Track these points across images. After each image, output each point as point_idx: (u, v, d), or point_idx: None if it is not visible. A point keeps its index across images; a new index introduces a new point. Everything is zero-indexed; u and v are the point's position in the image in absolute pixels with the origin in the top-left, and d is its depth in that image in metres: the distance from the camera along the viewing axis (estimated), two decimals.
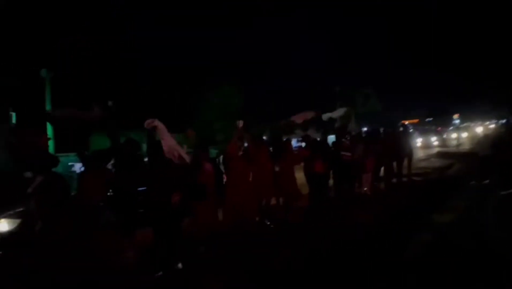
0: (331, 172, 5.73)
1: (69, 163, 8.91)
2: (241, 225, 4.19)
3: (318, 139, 5.98)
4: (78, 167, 5.58)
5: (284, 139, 5.36)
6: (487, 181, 4.15)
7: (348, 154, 5.70)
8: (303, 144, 6.08)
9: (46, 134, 4.28)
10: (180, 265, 3.29)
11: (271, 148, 4.99)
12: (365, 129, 12.62)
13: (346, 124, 6.62)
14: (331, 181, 5.95)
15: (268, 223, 4.77)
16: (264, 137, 5.50)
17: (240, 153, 4.48)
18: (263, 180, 4.55)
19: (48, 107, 12.72)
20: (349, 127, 6.75)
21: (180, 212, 3.40)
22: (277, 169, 4.76)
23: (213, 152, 5.83)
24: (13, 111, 15.41)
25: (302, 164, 5.45)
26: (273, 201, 5.05)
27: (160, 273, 3.15)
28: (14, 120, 15.41)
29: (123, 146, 3.41)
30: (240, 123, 4.29)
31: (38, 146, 3.31)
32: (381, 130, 7.47)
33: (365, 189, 6.27)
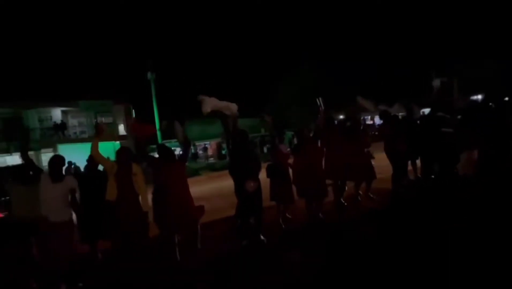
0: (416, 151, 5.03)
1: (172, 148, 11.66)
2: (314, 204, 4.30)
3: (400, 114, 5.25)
4: (178, 151, 6.15)
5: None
6: None
7: (449, 130, 4.85)
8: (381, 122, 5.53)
9: (154, 126, 5.37)
10: (263, 237, 3.66)
11: (345, 129, 4.85)
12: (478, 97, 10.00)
13: (444, 96, 5.65)
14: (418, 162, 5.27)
15: (345, 203, 4.78)
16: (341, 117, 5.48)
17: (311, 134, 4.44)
18: (335, 162, 4.44)
19: (154, 104, 16.57)
20: (450, 99, 5.79)
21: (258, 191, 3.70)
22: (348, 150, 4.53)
23: (288, 134, 6.00)
24: (133, 108, 20.79)
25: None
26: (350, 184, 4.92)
27: (245, 242, 3.61)
28: (133, 114, 20.78)
29: (236, 136, 3.87)
30: (321, 101, 4.36)
31: (149, 136, 4.21)
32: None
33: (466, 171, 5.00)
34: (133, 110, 23.10)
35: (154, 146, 4.29)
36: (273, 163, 4.31)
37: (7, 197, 3.92)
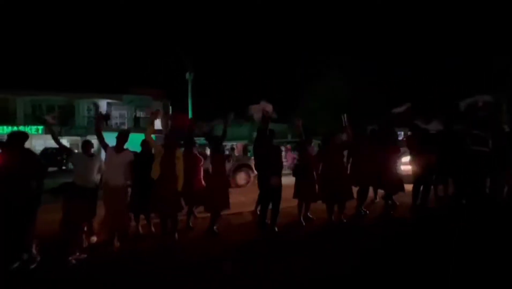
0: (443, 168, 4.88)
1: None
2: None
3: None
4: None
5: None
6: None
7: (484, 148, 4.56)
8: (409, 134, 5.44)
9: (191, 119, 5.79)
10: (276, 229, 4.08)
11: (376, 139, 4.86)
12: None
13: (490, 115, 4.93)
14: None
15: (365, 211, 4.81)
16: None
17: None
18: (363, 169, 4.56)
19: (190, 102, 17.43)
20: (496, 118, 5.19)
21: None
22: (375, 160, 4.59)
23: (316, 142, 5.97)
24: (171, 105, 21.92)
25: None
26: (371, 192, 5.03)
27: (262, 230, 4.10)
28: (170, 110, 21.93)
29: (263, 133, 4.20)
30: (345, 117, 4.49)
31: (185, 129, 4.80)
32: None
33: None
34: (171, 107, 24.45)
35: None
36: (301, 163, 4.54)
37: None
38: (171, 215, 3.82)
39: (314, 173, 4.48)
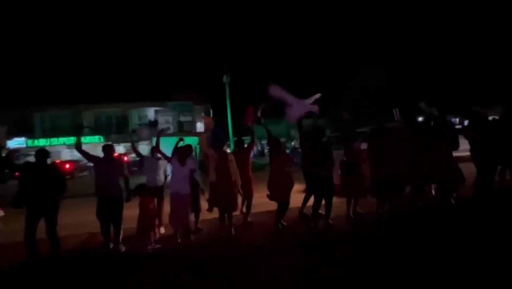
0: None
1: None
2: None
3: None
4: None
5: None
6: None
7: None
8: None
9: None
10: (331, 221, 4.21)
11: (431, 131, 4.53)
12: None
13: None
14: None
15: (420, 205, 4.52)
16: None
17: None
18: (420, 164, 4.30)
19: (228, 104, 18.13)
20: None
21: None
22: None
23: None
24: (211, 108, 22.84)
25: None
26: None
27: (314, 224, 4.25)
28: (211, 114, 22.97)
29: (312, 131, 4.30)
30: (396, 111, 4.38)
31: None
32: None
33: None
34: (211, 110, 25.66)
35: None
36: (347, 159, 4.52)
37: None
38: (229, 213, 4.10)
39: (362, 168, 4.44)
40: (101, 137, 22.30)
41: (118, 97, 24.08)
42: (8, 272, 3.39)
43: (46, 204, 3.39)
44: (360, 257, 3.12)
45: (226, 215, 4.14)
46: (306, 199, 4.68)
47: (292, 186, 4.29)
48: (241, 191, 4.20)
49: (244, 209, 4.75)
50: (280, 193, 4.20)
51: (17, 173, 3.57)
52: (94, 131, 22.44)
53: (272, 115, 4.73)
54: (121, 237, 3.79)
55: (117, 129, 23.92)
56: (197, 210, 4.37)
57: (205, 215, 4.51)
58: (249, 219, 4.72)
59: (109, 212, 3.70)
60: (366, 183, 4.46)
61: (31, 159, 3.69)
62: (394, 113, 4.47)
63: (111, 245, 3.76)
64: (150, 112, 24.98)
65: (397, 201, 4.40)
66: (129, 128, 24.30)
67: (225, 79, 21.02)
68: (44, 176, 3.39)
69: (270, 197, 4.28)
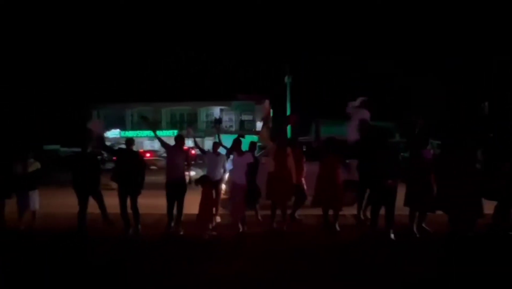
0: None
1: None
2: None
3: None
4: None
5: None
6: None
7: None
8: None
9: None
10: (392, 236, 3.88)
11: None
12: None
13: None
14: None
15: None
16: None
17: None
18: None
19: (288, 104, 18.27)
20: None
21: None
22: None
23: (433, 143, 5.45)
24: (272, 108, 23.16)
25: None
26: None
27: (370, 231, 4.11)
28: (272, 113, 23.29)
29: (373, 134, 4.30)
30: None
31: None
32: None
33: None
34: (272, 110, 26.21)
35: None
36: (414, 167, 4.10)
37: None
38: (282, 204, 4.36)
39: (432, 179, 3.96)
40: (175, 131, 25.29)
41: (189, 97, 26.84)
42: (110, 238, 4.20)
43: (131, 183, 4.17)
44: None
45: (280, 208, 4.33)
46: (363, 202, 4.57)
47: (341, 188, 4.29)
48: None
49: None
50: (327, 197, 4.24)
51: (114, 157, 4.50)
52: (170, 126, 25.55)
53: (335, 116, 4.60)
54: (181, 219, 4.29)
55: (188, 124, 26.70)
56: (255, 202, 4.56)
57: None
58: (296, 216, 4.86)
59: (174, 194, 4.26)
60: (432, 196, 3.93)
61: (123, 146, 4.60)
62: (484, 108, 3.91)
63: (172, 225, 4.28)
64: (216, 111, 27.07)
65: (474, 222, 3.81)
66: (197, 124, 26.85)
67: (286, 79, 21.25)
68: (129, 160, 4.23)
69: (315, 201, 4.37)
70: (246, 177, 4.25)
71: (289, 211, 4.70)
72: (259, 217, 4.77)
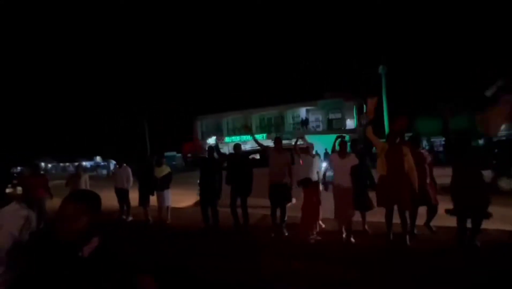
0: None
1: None
2: None
3: None
4: None
5: None
6: None
7: None
8: None
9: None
10: (478, 243, 3.49)
11: None
12: None
13: None
14: None
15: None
16: None
17: None
18: None
19: (384, 97, 16.32)
20: None
21: None
22: None
23: None
24: (365, 103, 21.35)
25: None
26: None
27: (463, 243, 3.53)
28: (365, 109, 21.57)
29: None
30: None
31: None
32: None
33: None
34: (365, 105, 24.18)
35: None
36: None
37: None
38: (408, 209, 3.81)
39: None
40: (264, 135, 26.79)
41: (276, 101, 27.93)
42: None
43: (242, 184, 4.68)
44: None
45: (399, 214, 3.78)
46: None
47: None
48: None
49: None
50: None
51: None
52: (259, 130, 27.33)
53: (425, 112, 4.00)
54: (285, 222, 4.38)
55: (275, 128, 27.89)
56: (364, 208, 4.29)
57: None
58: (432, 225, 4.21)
59: (277, 196, 4.39)
60: None
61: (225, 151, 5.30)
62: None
63: (277, 222, 4.41)
64: (302, 112, 27.05)
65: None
66: (284, 126, 27.57)
67: (381, 69, 19.10)
68: (240, 164, 4.77)
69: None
70: (351, 179, 4.00)
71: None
72: (366, 227, 4.43)
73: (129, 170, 6.22)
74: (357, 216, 4.30)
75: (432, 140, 20.79)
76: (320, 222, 4.71)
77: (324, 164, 5.11)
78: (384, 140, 4.23)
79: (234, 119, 30.77)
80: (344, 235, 4.06)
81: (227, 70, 55.58)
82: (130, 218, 6.14)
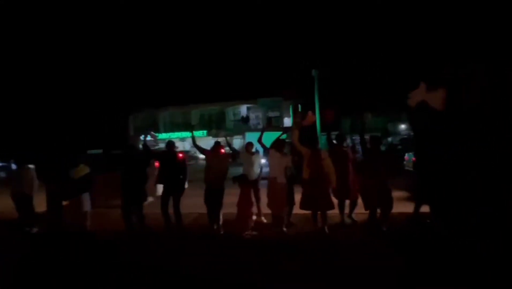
0: None
1: None
2: None
3: None
4: None
5: None
6: None
7: None
8: None
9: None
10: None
11: None
12: None
13: None
14: None
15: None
16: None
17: None
18: None
19: (316, 99, 17.80)
20: None
21: None
22: None
23: None
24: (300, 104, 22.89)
25: None
26: None
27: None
28: (300, 109, 23.03)
29: None
30: None
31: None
32: None
33: None
34: (300, 105, 25.88)
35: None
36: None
37: None
38: (322, 211, 4.11)
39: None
40: (205, 132, 26.09)
41: (217, 97, 27.48)
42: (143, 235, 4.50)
43: (174, 184, 4.38)
44: None
45: (319, 213, 4.16)
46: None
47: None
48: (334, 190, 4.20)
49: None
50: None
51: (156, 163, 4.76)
52: (199, 127, 26.49)
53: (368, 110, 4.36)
54: (221, 220, 4.38)
55: (216, 124, 27.46)
56: (291, 204, 4.48)
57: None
58: (348, 219, 4.64)
59: (212, 200, 4.35)
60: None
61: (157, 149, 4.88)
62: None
63: (215, 226, 4.39)
64: (243, 109, 27.37)
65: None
66: (226, 123, 27.41)
67: (313, 73, 20.70)
68: (172, 162, 4.44)
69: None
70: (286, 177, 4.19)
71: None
72: (291, 219, 4.60)
73: (32, 172, 5.13)
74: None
75: (354, 138, 23.86)
76: (263, 217, 4.79)
77: (263, 161, 5.17)
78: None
79: (172, 115, 29.07)
80: (281, 227, 4.24)
81: (167, 64, 52.21)
82: (36, 229, 5.08)
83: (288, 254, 3.54)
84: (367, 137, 4.31)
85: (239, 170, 4.92)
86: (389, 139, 21.18)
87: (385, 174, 4.07)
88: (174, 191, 4.40)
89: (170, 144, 4.60)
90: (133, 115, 28.63)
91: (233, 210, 4.32)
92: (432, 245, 3.19)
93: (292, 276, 2.95)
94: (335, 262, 3.23)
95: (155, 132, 27.27)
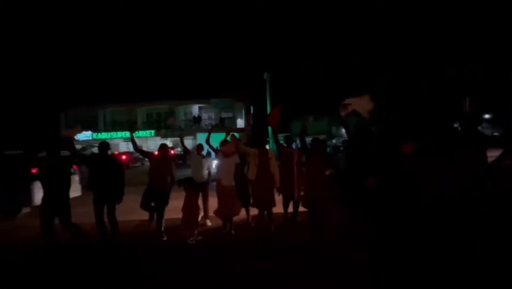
0: None
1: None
2: None
3: None
4: None
5: None
6: None
7: None
8: None
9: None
10: None
11: None
12: None
13: None
14: None
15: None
16: None
17: None
18: None
19: (268, 101, 18.23)
20: None
21: None
22: None
23: None
24: (252, 105, 23.11)
25: None
26: None
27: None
28: (252, 110, 23.26)
29: None
30: None
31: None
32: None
33: None
34: (252, 107, 26.14)
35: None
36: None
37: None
38: (268, 209, 4.20)
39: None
40: (152, 132, 24.37)
41: (166, 96, 25.98)
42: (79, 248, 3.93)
43: (108, 190, 3.85)
44: None
45: (265, 212, 4.22)
46: None
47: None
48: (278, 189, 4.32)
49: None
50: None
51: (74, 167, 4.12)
52: (146, 126, 24.63)
53: (313, 112, 4.50)
54: (163, 226, 4.09)
55: (165, 124, 25.83)
56: (247, 204, 4.44)
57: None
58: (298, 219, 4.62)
59: (155, 201, 4.08)
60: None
61: (96, 150, 4.27)
62: None
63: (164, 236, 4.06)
64: (195, 109, 26.43)
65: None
66: (176, 123, 26.07)
67: (265, 76, 21.19)
68: (105, 166, 3.88)
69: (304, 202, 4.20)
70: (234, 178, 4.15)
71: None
72: (250, 220, 4.56)
73: None
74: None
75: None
76: (208, 220, 4.64)
77: (215, 162, 5.00)
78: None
79: (115, 113, 26.43)
80: (227, 230, 4.17)
81: (111, 59, 47.25)
82: None
83: (235, 257, 3.41)
84: (309, 139, 4.52)
85: (188, 172, 4.69)
86: (333, 141, 22.96)
87: (325, 175, 4.11)
88: (108, 198, 3.87)
89: (102, 145, 4.01)
90: (65, 112, 25.05)
91: (178, 215, 4.08)
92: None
93: (236, 280, 2.84)
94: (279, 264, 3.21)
95: (94, 131, 24.49)
